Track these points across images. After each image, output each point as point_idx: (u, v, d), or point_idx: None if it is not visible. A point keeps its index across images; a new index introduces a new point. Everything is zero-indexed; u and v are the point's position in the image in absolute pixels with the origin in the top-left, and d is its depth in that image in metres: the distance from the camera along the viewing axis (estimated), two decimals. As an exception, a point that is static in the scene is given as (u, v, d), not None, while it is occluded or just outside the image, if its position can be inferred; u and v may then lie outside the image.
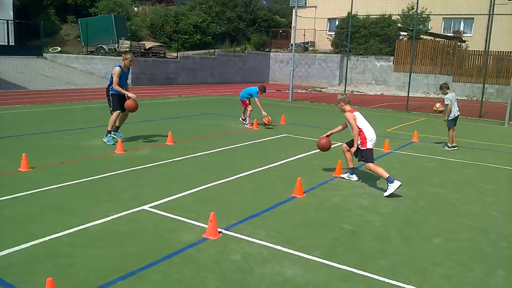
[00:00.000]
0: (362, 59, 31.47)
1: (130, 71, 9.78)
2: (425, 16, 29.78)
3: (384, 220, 5.67)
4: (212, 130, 11.76)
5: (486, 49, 21.34)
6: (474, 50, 28.28)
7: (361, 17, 30.68)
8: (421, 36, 29.64)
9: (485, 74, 18.78)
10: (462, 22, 32.99)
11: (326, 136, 7.85)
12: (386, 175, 6.68)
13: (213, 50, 32.40)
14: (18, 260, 4.18)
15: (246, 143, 10.20)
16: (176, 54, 29.29)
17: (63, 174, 7.00)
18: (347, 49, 25.25)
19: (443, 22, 33.35)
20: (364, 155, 7.07)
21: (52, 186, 6.39)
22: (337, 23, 34.24)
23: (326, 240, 4.97)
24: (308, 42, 36.08)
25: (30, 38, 27.77)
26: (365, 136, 7.04)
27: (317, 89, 30.18)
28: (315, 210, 5.94)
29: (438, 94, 28.05)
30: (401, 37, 30.99)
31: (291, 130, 12.17)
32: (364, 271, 4.24)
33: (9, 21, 26.12)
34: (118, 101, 9.45)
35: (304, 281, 4.01)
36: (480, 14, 27.01)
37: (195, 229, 5.07)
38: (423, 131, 12.15)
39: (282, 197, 6.38)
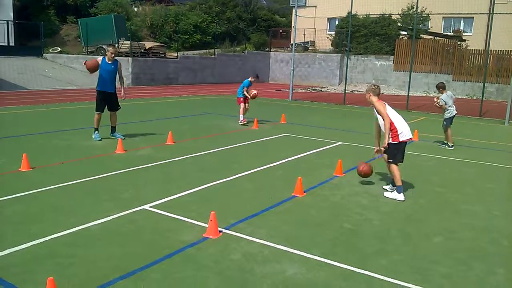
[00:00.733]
0: (362, 58, 31.45)
1: (120, 66, 9.70)
2: (425, 15, 29.74)
3: (384, 219, 5.67)
4: (212, 130, 11.76)
5: (486, 48, 21.32)
6: (474, 49, 28.25)
7: (361, 16, 30.64)
8: (421, 35, 29.61)
9: (485, 73, 18.77)
10: (462, 21, 32.97)
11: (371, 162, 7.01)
12: (399, 183, 6.44)
13: (213, 50, 32.40)
14: (18, 260, 4.18)
15: (246, 143, 10.20)
16: (176, 54, 29.29)
17: (64, 174, 7.01)
18: (347, 48, 25.23)
19: (443, 21, 33.32)
20: (394, 150, 6.47)
21: (53, 186, 6.39)
22: (337, 22, 34.22)
23: (326, 239, 4.97)
24: (308, 41, 36.06)
25: (30, 38, 27.79)
26: (396, 127, 6.46)
27: (317, 88, 30.17)
28: (316, 209, 5.94)
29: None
30: (401, 37, 30.96)
31: (291, 130, 12.17)
32: (364, 270, 4.24)
33: (9, 22, 26.13)
34: (102, 100, 9.63)
35: (305, 280, 4.01)
36: (480, 13, 26.97)
37: (195, 228, 5.07)
38: (423, 130, 12.14)
39: (282, 196, 6.38)
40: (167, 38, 34.11)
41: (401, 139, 6.49)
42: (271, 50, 36.42)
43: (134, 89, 22.88)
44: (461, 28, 32.97)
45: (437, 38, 29.89)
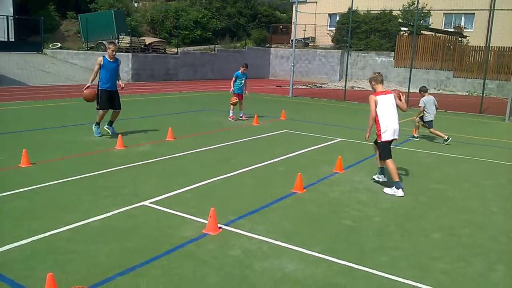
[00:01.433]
0: (363, 54, 31.40)
1: (120, 63, 9.66)
2: (426, 11, 29.67)
3: (384, 216, 5.68)
4: (212, 126, 11.76)
5: (487, 45, 21.29)
6: (475, 46, 28.20)
7: (362, 12, 30.57)
8: (421, 31, 29.55)
9: (486, 69, 18.73)
10: (463, 18, 32.88)
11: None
12: (396, 179, 6.50)
13: (214, 45, 32.34)
14: (18, 255, 4.19)
15: (246, 139, 10.20)
16: (176, 50, 29.23)
17: (63, 170, 7.01)
18: (347, 44, 25.18)
19: (444, 18, 33.24)
20: (380, 148, 6.70)
21: (52, 182, 6.40)
22: (337, 18, 34.13)
23: (325, 235, 4.98)
24: (309, 37, 35.99)
25: (30, 34, 27.72)
26: (379, 126, 6.56)
27: (317, 84, 30.13)
28: (315, 206, 5.95)
29: (439, 90, 28.04)
30: (401, 33, 30.90)
31: (291, 126, 12.16)
32: (363, 266, 4.25)
33: (9, 17, 26.07)
34: (106, 99, 9.54)
35: (304, 276, 4.02)
36: (481, 10, 26.92)
37: (195, 224, 5.08)
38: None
39: (282, 192, 6.38)
40: (167, 33, 34.03)
41: (382, 139, 6.62)
42: (272, 46, 36.36)
43: (134, 85, 22.85)
44: (462, 24, 32.89)
45: (438, 34, 29.83)
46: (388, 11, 30.44)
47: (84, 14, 29.21)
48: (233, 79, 12.81)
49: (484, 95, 18.58)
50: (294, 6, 26.01)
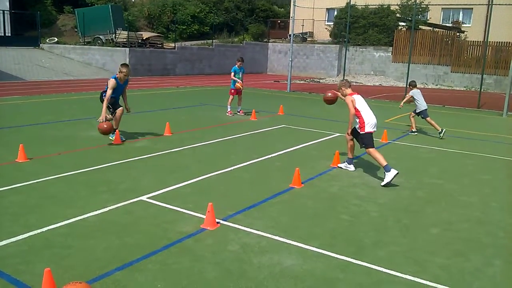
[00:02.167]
0: (361, 49, 31.35)
1: (128, 82, 9.13)
2: (424, 6, 29.62)
3: (382, 210, 5.68)
4: (209, 121, 11.73)
5: (485, 40, 21.27)
6: (473, 41, 28.18)
7: (360, 7, 30.50)
8: (420, 26, 29.50)
9: (484, 64, 18.74)
10: (461, 12, 32.84)
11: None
12: (384, 163, 6.72)
13: (211, 40, 32.23)
14: (15, 250, 4.17)
15: (244, 134, 10.18)
16: (173, 45, 29.13)
17: (61, 165, 6.99)
18: (345, 39, 25.14)
19: (442, 13, 33.19)
20: (364, 139, 7.09)
21: (50, 177, 6.37)
22: (335, 13, 34.05)
23: (323, 230, 4.98)
24: (307, 32, 35.90)
25: (26, 28, 27.59)
26: (363, 120, 7.05)
27: (315, 79, 30.09)
28: (313, 201, 5.94)
29: (437, 85, 28.04)
30: (399, 28, 30.86)
31: (289, 121, 12.14)
32: (361, 261, 4.24)
33: (5, 12, 25.93)
34: (113, 103, 8.94)
35: (302, 271, 4.02)
36: (479, 4, 26.84)
37: (193, 219, 5.07)
38: (421, 122, 12.09)
39: (280, 187, 6.38)
40: (165, 28, 33.91)
41: (366, 130, 7.04)
42: (269, 41, 36.26)
43: (131, 80, 22.68)
44: (460, 19, 32.86)
45: (436, 29, 29.80)
46: (386, 6, 30.37)
47: (81, 8, 29.07)
48: (232, 74, 12.79)
49: (482, 90, 18.58)
50: (292, 0, 25.95)
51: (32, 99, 14.57)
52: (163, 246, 4.38)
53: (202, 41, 33.15)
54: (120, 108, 8.94)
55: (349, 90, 7.38)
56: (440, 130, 10.61)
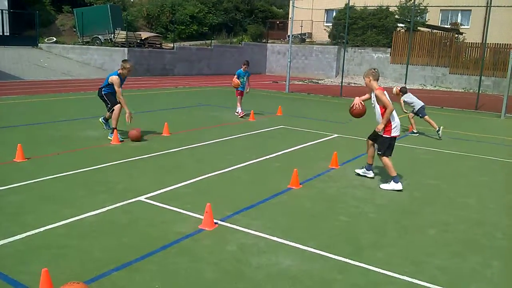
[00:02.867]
0: (359, 50, 31.38)
1: (126, 77, 9.25)
2: (423, 7, 29.66)
3: (380, 212, 5.68)
4: (208, 122, 11.73)
5: (483, 42, 21.31)
6: (471, 42, 28.23)
7: (359, 8, 30.53)
8: (418, 28, 29.54)
9: (482, 66, 18.77)
10: (459, 14, 32.91)
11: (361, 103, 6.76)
12: (394, 174, 6.53)
13: (210, 41, 32.23)
14: (13, 250, 4.16)
15: (242, 135, 10.18)
16: (172, 45, 29.13)
17: (58, 165, 6.97)
18: (344, 40, 25.15)
19: (440, 14, 33.25)
20: (386, 143, 6.53)
21: (47, 177, 6.36)
22: (334, 14, 34.08)
23: (322, 231, 4.98)
24: (305, 33, 35.93)
25: (25, 28, 27.55)
26: (390, 121, 6.49)
27: (314, 80, 30.11)
28: (311, 202, 5.94)
29: (435, 86, 28.08)
30: (398, 29, 30.90)
31: (287, 122, 12.15)
32: (359, 262, 4.24)
33: (4, 11, 25.89)
34: (115, 97, 9.09)
35: (300, 271, 4.02)
36: (478, 6, 26.89)
37: (191, 220, 5.06)
38: (420, 123, 12.12)
39: (278, 188, 6.37)
40: (164, 28, 33.90)
41: (393, 134, 6.57)
42: (268, 41, 36.28)
43: (130, 80, 22.73)
44: (459, 21, 32.93)
45: (434, 30, 29.85)
46: (385, 7, 30.43)
47: (79, 8, 29.04)
48: (235, 76, 12.71)
49: (480, 91, 18.61)
50: (291, 1, 25.96)
51: (30, 99, 14.55)
52: (161, 246, 4.37)
53: (201, 42, 33.15)
54: (118, 105, 9.00)
55: (376, 84, 6.47)
56: (437, 129, 10.66)
